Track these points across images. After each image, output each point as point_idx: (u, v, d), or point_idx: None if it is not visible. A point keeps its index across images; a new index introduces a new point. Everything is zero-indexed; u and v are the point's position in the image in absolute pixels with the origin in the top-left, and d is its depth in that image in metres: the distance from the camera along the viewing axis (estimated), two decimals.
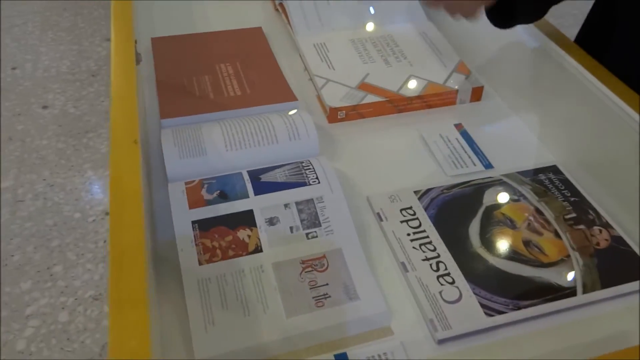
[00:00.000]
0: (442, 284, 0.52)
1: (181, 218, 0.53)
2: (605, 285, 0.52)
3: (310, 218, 0.55)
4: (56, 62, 2.10)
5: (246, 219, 0.54)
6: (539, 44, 0.68)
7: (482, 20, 0.68)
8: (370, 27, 0.84)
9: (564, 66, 0.64)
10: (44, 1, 2.46)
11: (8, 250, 1.43)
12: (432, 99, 0.73)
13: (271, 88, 0.72)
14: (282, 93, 0.71)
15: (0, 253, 1.40)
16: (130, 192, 0.43)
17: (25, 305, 1.30)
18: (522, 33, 0.71)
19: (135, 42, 0.64)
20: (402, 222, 0.58)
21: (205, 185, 0.56)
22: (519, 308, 0.50)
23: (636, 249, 0.55)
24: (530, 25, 0.70)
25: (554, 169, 0.64)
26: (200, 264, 0.51)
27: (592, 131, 0.62)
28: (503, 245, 0.55)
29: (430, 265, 0.53)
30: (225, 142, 0.61)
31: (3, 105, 1.92)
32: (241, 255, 0.52)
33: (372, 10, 0.84)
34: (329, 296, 0.50)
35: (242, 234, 0.53)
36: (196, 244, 0.52)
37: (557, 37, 0.66)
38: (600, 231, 0.57)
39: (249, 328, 0.47)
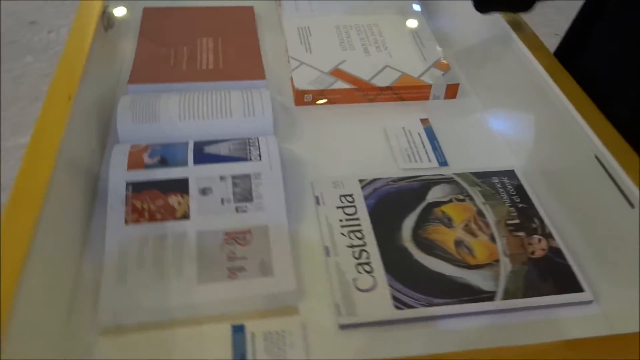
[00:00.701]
0: (359, 272, 0.51)
1: (117, 177, 0.55)
2: (528, 294, 0.51)
3: (244, 193, 0.56)
4: None
5: (180, 186, 0.55)
6: (516, 48, 0.66)
7: (476, 18, 0.67)
8: (358, 14, 0.84)
9: (533, 75, 0.62)
10: None
11: None
12: (404, 92, 0.72)
13: (244, 65, 0.73)
14: (252, 71, 0.72)
15: None
16: (49, 143, 0.45)
17: None
18: (510, 37, 0.69)
19: (107, 7, 0.66)
20: (338, 207, 0.58)
21: (149, 150, 0.58)
22: (431, 305, 0.49)
23: (572, 263, 0.53)
24: (513, 30, 0.67)
25: (509, 174, 0.63)
26: (126, 222, 0.52)
27: (553, 142, 0.60)
28: (432, 242, 0.54)
29: (353, 252, 0.53)
30: (179, 112, 0.62)
31: (34, 66, 1.99)
32: (168, 220, 0.53)
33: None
34: (244, 269, 0.50)
35: (173, 200, 0.54)
36: (126, 204, 0.53)
37: (533, 43, 0.64)
38: (540, 240, 0.56)
39: (158, 290, 0.48)
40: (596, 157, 0.51)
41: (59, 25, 2.19)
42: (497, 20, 0.69)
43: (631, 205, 0.46)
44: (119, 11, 0.73)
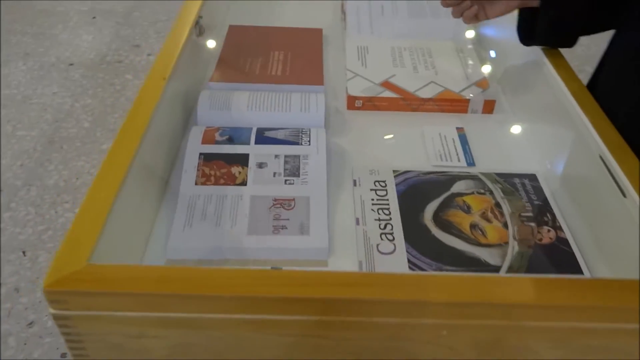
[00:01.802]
0: (382, 239, 0.60)
1: (193, 149, 0.68)
2: (530, 271, 0.57)
3: (293, 169, 0.67)
4: None
5: (241, 159, 0.67)
6: (547, 73, 0.74)
7: (518, 49, 0.77)
8: (413, 40, 0.94)
9: (561, 97, 0.69)
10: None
11: None
12: (444, 104, 0.82)
13: (306, 74, 0.85)
14: (312, 78, 0.84)
15: None
16: (143, 113, 0.58)
17: None
18: (544, 62, 0.76)
19: (201, 17, 0.80)
20: (371, 190, 0.67)
21: (220, 130, 0.70)
22: (440, 270, 0.57)
23: (576, 251, 0.60)
24: (546, 56, 0.75)
25: (531, 177, 0.70)
26: (196, 184, 0.65)
27: (571, 151, 0.67)
28: (450, 223, 0.63)
29: (379, 224, 0.62)
30: (248, 104, 0.75)
31: (133, 82, 2.25)
32: (229, 185, 0.65)
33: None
34: (286, 228, 0.61)
35: (235, 170, 0.66)
36: (197, 169, 0.66)
37: (564, 68, 0.72)
38: (549, 231, 0.62)
39: (216, 235, 0.59)
40: (600, 157, 0.58)
41: (158, 49, 2.46)
42: (535, 48, 0.78)
43: (623, 194, 0.53)
44: (210, 23, 0.88)
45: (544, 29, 0.73)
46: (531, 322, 0.41)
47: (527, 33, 0.76)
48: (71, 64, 2.35)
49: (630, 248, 0.51)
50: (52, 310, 0.41)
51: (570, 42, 0.75)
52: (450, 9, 0.76)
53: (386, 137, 0.77)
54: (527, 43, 0.78)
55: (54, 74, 2.28)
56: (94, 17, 2.71)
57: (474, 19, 0.75)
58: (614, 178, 0.55)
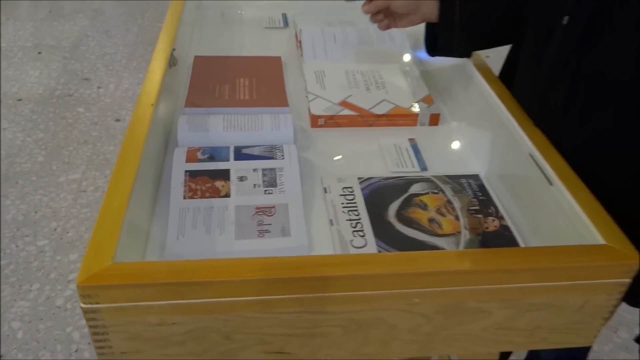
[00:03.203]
0: (354, 236, 0.69)
1: (178, 167, 0.75)
2: None
3: (270, 181, 0.75)
4: (134, 86, 2.45)
5: (223, 174, 0.75)
6: (478, 83, 0.86)
7: (455, 64, 0.89)
8: (363, 64, 1.05)
9: (490, 102, 0.81)
10: (134, 38, 2.88)
11: (65, 227, 1.70)
12: (396, 119, 0.92)
13: (272, 98, 0.94)
14: (278, 101, 0.93)
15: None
16: (137, 137, 0.65)
17: (70, 272, 1.54)
18: (474, 74, 0.89)
19: (174, 49, 0.88)
20: (340, 195, 0.76)
21: (201, 150, 0.78)
22: None
23: (516, 235, 0.70)
24: (476, 68, 0.88)
25: (475, 177, 0.81)
26: (184, 198, 0.72)
27: (506, 151, 0.79)
28: (411, 219, 0.72)
29: (351, 223, 0.71)
30: (223, 125, 0.83)
31: (85, 115, 2.26)
32: (214, 197, 0.72)
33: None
34: (269, 232, 0.69)
35: (219, 183, 0.74)
36: (184, 185, 0.73)
37: (490, 77, 0.84)
38: (493, 220, 0.73)
39: (207, 241, 0.66)
40: (530, 155, 0.70)
41: (107, 82, 2.49)
42: (468, 64, 0.90)
43: (550, 183, 0.64)
44: (181, 54, 0.95)
45: (442, 42, 0.88)
46: (482, 286, 0.51)
47: (431, 45, 0.90)
48: (19, 99, 2.35)
49: (557, 226, 0.62)
50: (82, 305, 0.47)
51: (468, 54, 0.91)
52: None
53: (343, 153, 0.87)
54: (431, 54, 0.92)
55: (2, 110, 2.27)
56: (39, 53, 2.71)
57: (387, 28, 0.91)
58: (542, 171, 0.67)
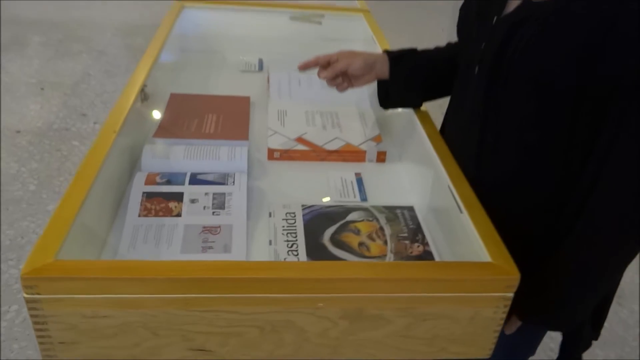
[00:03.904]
0: (288, 255, 0.77)
1: (137, 189, 0.83)
2: None
3: (219, 204, 0.83)
4: None
5: (177, 197, 0.83)
6: (418, 127, 0.95)
7: (404, 113, 0.99)
8: (324, 105, 1.15)
9: (425, 147, 0.90)
10: None
11: None
12: (346, 154, 1.01)
13: (234, 132, 1.03)
14: (239, 134, 1.02)
15: None
16: (97, 155, 0.74)
17: None
18: (415, 120, 0.98)
19: (145, 85, 0.98)
20: (283, 219, 0.84)
21: (160, 175, 0.86)
22: None
23: (437, 258, 0.78)
24: (418, 117, 0.98)
25: (410, 208, 0.89)
26: (139, 215, 0.80)
27: (435, 187, 0.87)
28: (343, 242, 0.80)
29: (287, 244, 0.79)
30: (184, 154, 0.92)
31: (79, 148, 2.37)
32: (166, 216, 0.80)
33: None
34: (212, 248, 0.76)
35: (172, 204, 0.82)
36: (140, 204, 0.81)
37: (427, 121, 0.94)
38: (418, 246, 0.80)
39: (154, 254, 0.74)
40: (448, 187, 0.78)
41: (104, 117, 2.61)
42: (412, 112, 1.00)
43: (460, 210, 0.72)
44: (153, 91, 1.05)
45: (394, 96, 0.98)
46: (379, 294, 0.58)
47: (384, 99, 1.00)
48: (18, 131, 2.46)
49: (466, 248, 0.70)
50: (25, 295, 0.54)
51: (417, 105, 1.01)
52: None
53: (293, 184, 0.95)
54: (384, 106, 1.02)
55: (1, 141, 2.37)
56: (42, 89, 2.84)
57: (345, 89, 1.00)
58: (455, 201, 0.75)
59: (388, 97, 1.01)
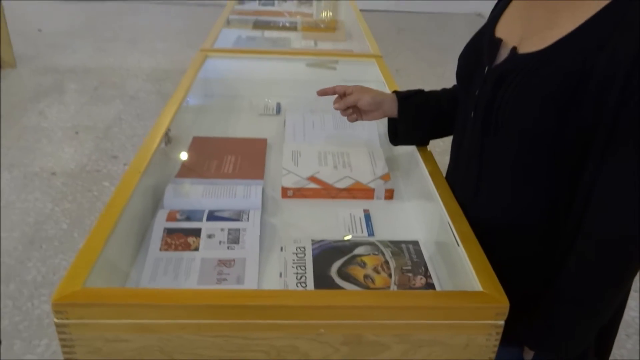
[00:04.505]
0: (297, 286, 0.82)
1: (159, 225, 0.90)
2: None
3: (234, 239, 0.89)
4: None
5: (195, 232, 0.90)
6: (422, 167, 1.01)
7: (411, 152, 1.05)
8: (335, 146, 1.22)
9: (428, 185, 0.95)
10: None
11: None
12: (356, 192, 1.07)
13: (250, 171, 1.10)
14: (255, 174, 1.09)
15: None
16: (121, 196, 0.81)
17: None
18: (419, 159, 1.04)
19: (169, 130, 1.06)
20: (293, 253, 0.89)
21: (180, 212, 0.93)
22: None
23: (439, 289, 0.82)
24: (422, 157, 1.04)
25: (414, 243, 0.93)
26: (160, 249, 0.86)
27: (437, 223, 0.91)
28: (349, 274, 0.85)
29: (297, 276, 0.84)
30: (203, 193, 0.99)
31: (109, 189, 2.48)
32: (185, 250, 0.86)
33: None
34: (226, 279, 0.82)
35: (190, 239, 0.88)
36: (162, 239, 0.88)
37: (429, 159, 0.99)
38: (421, 278, 0.85)
39: (172, 285, 0.80)
40: (447, 223, 0.82)
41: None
42: (415, 152, 1.06)
43: (457, 244, 0.76)
44: (178, 134, 1.14)
45: (402, 134, 1.04)
46: (376, 321, 0.63)
47: (393, 136, 1.06)
48: (53, 173, 2.59)
49: (463, 279, 0.74)
50: (55, 320, 0.61)
51: (425, 142, 1.06)
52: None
53: (305, 220, 1.01)
54: (394, 143, 1.08)
55: (36, 182, 2.51)
56: (76, 132, 3.00)
57: (355, 120, 1.07)
58: (453, 235, 0.79)
59: (397, 134, 1.08)
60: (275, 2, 2.96)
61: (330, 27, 2.61)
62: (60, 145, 2.85)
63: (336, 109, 1.07)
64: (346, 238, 0.95)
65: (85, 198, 2.41)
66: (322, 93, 1.08)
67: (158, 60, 4.22)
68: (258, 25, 2.32)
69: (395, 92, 1.06)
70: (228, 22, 2.04)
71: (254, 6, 2.75)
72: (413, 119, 1.04)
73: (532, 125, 0.71)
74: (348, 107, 1.06)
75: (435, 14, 6.08)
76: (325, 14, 2.88)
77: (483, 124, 0.79)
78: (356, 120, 1.08)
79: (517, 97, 0.72)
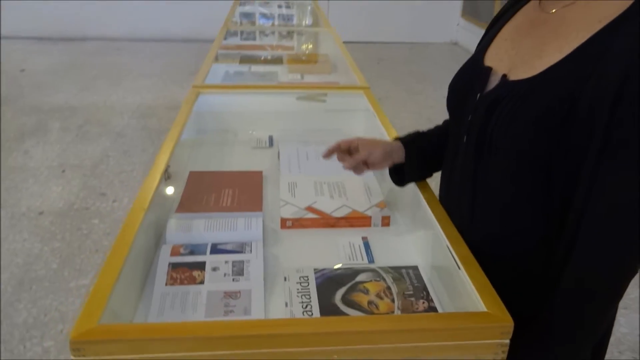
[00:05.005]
0: (303, 315, 0.83)
1: (164, 260, 0.91)
2: None
3: (239, 271, 0.91)
4: None
5: (200, 266, 0.91)
6: (418, 194, 1.04)
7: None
8: (330, 176, 1.25)
9: (426, 212, 0.98)
10: (150, 156, 3.18)
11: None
12: (353, 221, 1.09)
13: (249, 204, 1.12)
14: (253, 206, 1.11)
15: None
16: (128, 234, 0.82)
17: None
18: (416, 187, 1.07)
19: (168, 166, 1.08)
20: (297, 282, 0.91)
21: (183, 246, 0.95)
22: None
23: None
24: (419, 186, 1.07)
25: (414, 268, 0.96)
26: (166, 284, 0.87)
27: (436, 248, 0.94)
28: (353, 301, 0.86)
29: (302, 305, 0.85)
30: (205, 227, 1.00)
31: (99, 226, 2.47)
32: (190, 284, 0.88)
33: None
34: (233, 311, 0.83)
35: (195, 273, 0.90)
36: (167, 274, 0.89)
37: (427, 193, 1.02)
38: (423, 302, 0.87)
39: (180, 319, 0.81)
40: (447, 247, 0.85)
41: (122, 196, 2.73)
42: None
43: (458, 267, 0.79)
44: (174, 169, 1.16)
45: (409, 176, 1.06)
46: (387, 345, 0.65)
47: (398, 178, 1.08)
48: (41, 213, 2.57)
49: (465, 301, 0.76)
50: (73, 358, 0.61)
51: (427, 177, 1.09)
52: None
53: (305, 249, 1.03)
54: (401, 185, 1.09)
55: (24, 222, 2.49)
56: (63, 171, 2.99)
57: (362, 173, 1.07)
58: (454, 259, 0.82)
59: (403, 177, 1.07)
60: (257, 36, 3.03)
61: (315, 60, 2.68)
62: (47, 184, 2.84)
63: (347, 168, 1.05)
64: (347, 266, 0.97)
65: (75, 236, 2.40)
66: (329, 154, 1.08)
67: (143, 96, 4.25)
68: (244, 59, 2.38)
69: (397, 138, 1.08)
70: (216, 58, 2.08)
71: (237, 41, 2.81)
72: (418, 161, 1.05)
73: (526, 146, 0.75)
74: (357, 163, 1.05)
75: (413, 43, 6.25)
76: (306, 47, 2.95)
77: (476, 148, 0.83)
78: (364, 172, 1.07)
79: (511, 121, 0.76)
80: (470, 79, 0.88)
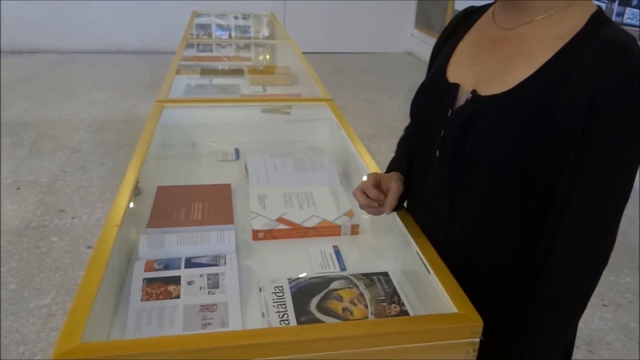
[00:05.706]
0: (280, 324, 0.85)
1: (137, 276, 0.91)
2: None
3: (214, 283, 0.92)
4: (106, 215, 2.63)
5: (175, 280, 0.91)
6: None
7: None
8: (298, 187, 1.27)
9: (395, 219, 1.02)
10: (109, 171, 3.12)
11: (34, 351, 1.78)
12: (323, 230, 1.12)
13: (220, 217, 1.14)
14: (225, 219, 1.12)
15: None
16: (103, 252, 0.83)
17: None
18: None
19: (138, 182, 1.09)
20: (272, 293, 0.93)
21: (157, 261, 0.95)
22: None
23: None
24: None
25: (384, 274, 0.99)
26: (142, 300, 0.87)
27: (405, 254, 0.98)
28: (328, 308, 0.89)
29: (279, 314, 0.87)
30: (177, 241, 1.01)
31: (58, 244, 2.41)
32: (166, 299, 0.88)
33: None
34: (211, 324, 0.84)
35: (170, 287, 0.90)
36: (142, 289, 0.89)
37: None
38: (395, 307, 0.90)
39: (158, 334, 0.81)
40: (416, 253, 0.89)
41: (81, 212, 2.67)
42: None
43: (428, 272, 0.83)
44: (145, 185, 1.16)
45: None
46: (363, 349, 0.67)
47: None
48: None
49: (436, 303, 0.80)
50: None
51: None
52: None
53: (278, 260, 1.05)
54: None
55: None
56: (18, 188, 2.90)
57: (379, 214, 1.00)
58: (424, 264, 0.86)
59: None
60: (214, 48, 3.03)
61: (276, 72, 2.70)
62: (1, 202, 2.75)
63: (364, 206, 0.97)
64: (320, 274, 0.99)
65: (33, 255, 2.33)
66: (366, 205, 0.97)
67: (98, 110, 4.16)
68: (205, 71, 2.38)
69: (393, 171, 1.03)
70: (177, 70, 2.08)
71: (193, 52, 2.80)
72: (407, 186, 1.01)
73: (505, 158, 0.79)
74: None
75: (369, 53, 6.36)
76: (265, 59, 2.97)
77: (452, 162, 0.86)
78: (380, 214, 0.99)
79: (489, 135, 0.79)
80: (438, 95, 0.90)
